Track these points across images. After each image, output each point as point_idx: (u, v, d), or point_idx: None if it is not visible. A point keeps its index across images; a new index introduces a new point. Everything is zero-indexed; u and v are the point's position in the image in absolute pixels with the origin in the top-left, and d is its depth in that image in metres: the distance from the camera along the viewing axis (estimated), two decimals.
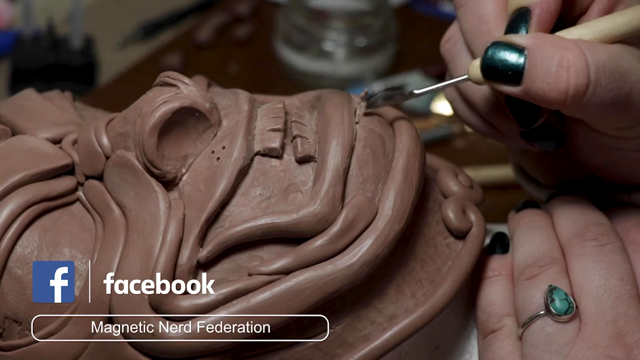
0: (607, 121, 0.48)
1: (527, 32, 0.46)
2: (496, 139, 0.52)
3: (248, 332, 0.45)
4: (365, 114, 0.49)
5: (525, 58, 0.45)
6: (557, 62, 0.45)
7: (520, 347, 0.48)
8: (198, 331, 0.45)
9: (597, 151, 0.51)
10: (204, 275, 0.46)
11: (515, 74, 0.45)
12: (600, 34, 0.47)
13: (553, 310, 0.47)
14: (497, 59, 0.46)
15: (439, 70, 0.95)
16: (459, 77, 0.48)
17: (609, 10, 0.49)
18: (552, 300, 0.47)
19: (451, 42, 0.52)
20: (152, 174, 0.47)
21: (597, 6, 0.49)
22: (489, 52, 0.46)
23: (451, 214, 0.50)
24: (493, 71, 0.46)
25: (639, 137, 0.49)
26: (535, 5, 0.47)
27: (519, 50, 0.45)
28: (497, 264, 0.51)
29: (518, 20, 0.47)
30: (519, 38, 0.46)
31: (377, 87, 0.95)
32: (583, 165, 0.53)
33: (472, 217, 0.51)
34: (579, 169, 0.54)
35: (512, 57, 0.46)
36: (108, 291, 0.46)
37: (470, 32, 0.49)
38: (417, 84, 0.94)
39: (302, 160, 0.48)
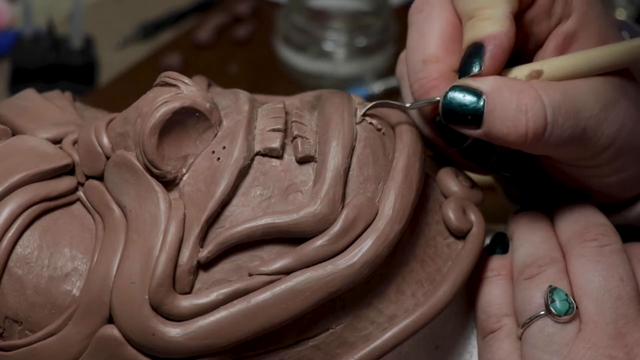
0: (567, 155, 0.49)
1: (480, 67, 0.47)
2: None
3: (248, 332, 0.45)
4: (366, 114, 0.49)
5: (484, 102, 0.46)
6: (515, 106, 0.46)
7: (520, 347, 0.48)
8: (198, 331, 0.45)
9: (573, 180, 0.52)
10: (204, 275, 0.46)
11: (474, 118, 0.47)
12: (557, 71, 0.48)
13: (553, 311, 0.47)
14: (456, 104, 0.47)
15: None
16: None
17: (564, 45, 0.50)
18: (553, 301, 0.47)
19: (402, 64, 0.53)
20: (152, 174, 0.47)
21: (553, 41, 0.50)
22: (448, 97, 0.47)
23: (451, 214, 0.50)
24: (453, 115, 0.47)
25: (603, 164, 0.50)
26: (488, 41, 0.47)
27: (477, 94, 0.47)
28: (496, 264, 0.51)
29: (472, 55, 0.48)
30: (476, 82, 0.47)
31: (377, 87, 0.95)
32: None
33: (472, 217, 0.51)
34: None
35: (471, 102, 0.47)
36: (108, 291, 0.46)
37: (409, 48, 0.51)
38: None
39: (303, 161, 0.48)
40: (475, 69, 0.47)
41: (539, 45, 0.51)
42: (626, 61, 0.49)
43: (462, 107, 0.47)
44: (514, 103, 0.46)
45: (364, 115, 0.49)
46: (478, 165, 0.52)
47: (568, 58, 0.49)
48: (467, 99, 0.47)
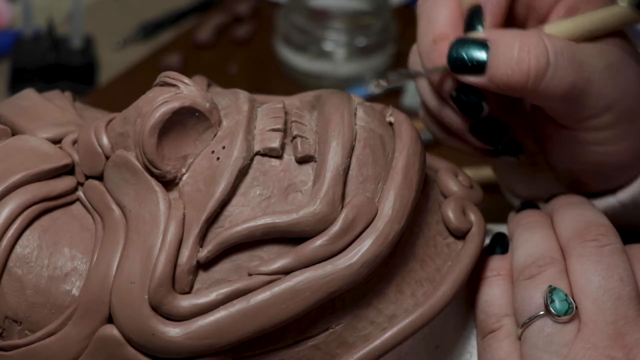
0: (570, 109, 0.51)
1: (482, 26, 0.50)
2: (454, 145, 0.56)
3: (248, 332, 0.45)
4: (366, 113, 0.49)
5: (488, 49, 0.49)
6: (518, 46, 0.49)
7: (519, 347, 0.48)
8: (198, 331, 0.45)
9: (572, 152, 0.53)
10: (204, 275, 0.46)
11: (479, 65, 0.49)
12: (558, 32, 0.50)
13: (553, 311, 0.47)
14: (461, 51, 0.49)
15: None
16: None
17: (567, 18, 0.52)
18: (552, 301, 0.47)
19: (414, 54, 0.54)
20: (152, 174, 0.47)
21: (555, 16, 0.52)
22: (453, 48, 0.50)
23: (451, 214, 0.50)
24: (459, 63, 0.50)
25: (605, 128, 0.51)
26: (486, 1, 0.51)
27: (482, 43, 0.49)
28: (496, 264, 0.51)
29: (473, 16, 0.51)
30: (480, 33, 0.50)
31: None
32: (564, 176, 0.55)
33: (472, 217, 0.51)
34: (559, 184, 0.56)
35: (475, 50, 0.49)
36: (108, 291, 0.46)
37: (419, 34, 0.53)
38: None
39: (302, 160, 0.48)
40: (478, 29, 0.50)
41: (542, 21, 0.52)
42: (627, 22, 0.50)
43: (468, 55, 0.49)
44: (517, 44, 0.48)
45: (387, 85, 0.51)
46: (489, 145, 0.53)
47: (569, 20, 0.51)
48: (472, 47, 0.49)
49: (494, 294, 0.50)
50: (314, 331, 0.47)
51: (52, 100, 0.54)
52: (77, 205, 0.50)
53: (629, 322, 0.46)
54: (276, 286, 0.45)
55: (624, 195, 0.55)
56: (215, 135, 0.48)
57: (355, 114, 0.49)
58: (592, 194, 0.55)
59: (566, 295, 0.47)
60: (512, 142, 0.54)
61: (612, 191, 0.55)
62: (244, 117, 0.48)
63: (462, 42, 0.50)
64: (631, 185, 0.55)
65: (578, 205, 0.52)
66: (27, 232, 0.48)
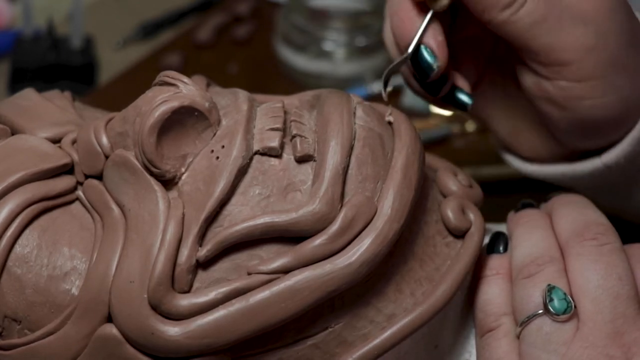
0: (541, 44, 0.52)
1: None
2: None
3: (247, 331, 0.45)
4: (365, 113, 0.49)
5: None
6: None
7: (518, 346, 0.48)
8: (197, 330, 0.45)
9: (565, 110, 0.53)
10: (203, 274, 0.46)
11: None
12: None
13: (551, 310, 0.47)
14: None
15: None
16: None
17: None
18: (551, 300, 0.47)
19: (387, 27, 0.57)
20: (151, 173, 0.47)
21: None
22: None
23: (450, 213, 0.50)
24: None
25: (589, 77, 0.52)
26: None
27: None
28: (495, 263, 0.51)
29: None
30: None
31: (377, 86, 0.95)
32: (555, 130, 0.56)
33: (471, 216, 0.51)
34: (553, 141, 0.57)
35: None
36: (107, 290, 0.46)
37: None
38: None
39: (301, 160, 0.48)
40: None
41: None
42: None
43: None
44: None
45: (386, 82, 0.53)
46: (426, 92, 0.55)
47: None
48: None
49: (492, 292, 0.50)
50: (313, 330, 0.47)
51: (51, 100, 0.54)
52: (77, 204, 0.50)
53: (627, 321, 0.47)
54: (275, 285, 0.45)
55: (608, 157, 0.56)
56: (215, 134, 0.48)
57: (354, 113, 0.49)
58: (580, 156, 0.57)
59: (565, 294, 0.47)
60: (457, 93, 0.55)
61: (598, 153, 0.56)
62: (243, 117, 0.48)
63: None
64: (615, 148, 0.55)
65: (577, 205, 0.52)
66: (27, 231, 0.48)
